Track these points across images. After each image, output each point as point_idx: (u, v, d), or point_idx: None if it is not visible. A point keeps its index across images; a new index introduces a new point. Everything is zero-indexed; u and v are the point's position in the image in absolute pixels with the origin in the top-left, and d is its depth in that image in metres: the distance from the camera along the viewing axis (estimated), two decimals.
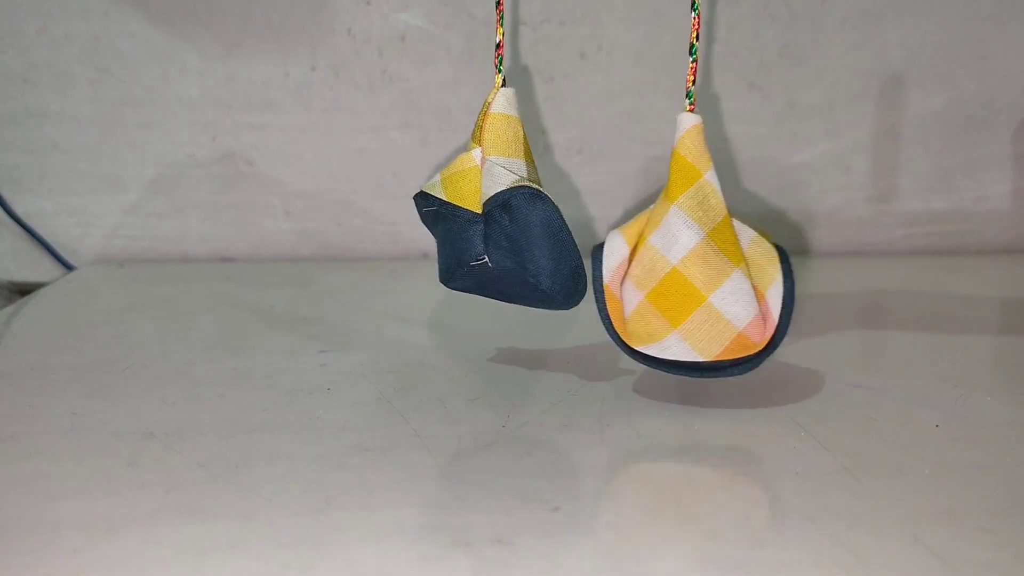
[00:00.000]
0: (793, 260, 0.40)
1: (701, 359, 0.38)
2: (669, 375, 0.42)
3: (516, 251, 0.40)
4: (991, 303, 0.59)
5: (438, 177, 0.42)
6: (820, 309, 0.57)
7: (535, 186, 0.40)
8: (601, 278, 0.40)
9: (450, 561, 0.29)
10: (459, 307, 0.58)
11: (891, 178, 0.70)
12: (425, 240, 0.70)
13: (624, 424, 0.39)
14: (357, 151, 0.69)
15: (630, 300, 0.40)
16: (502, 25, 0.43)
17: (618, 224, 0.69)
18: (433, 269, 0.68)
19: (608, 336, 0.41)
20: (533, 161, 0.42)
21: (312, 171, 0.69)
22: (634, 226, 0.41)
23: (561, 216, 0.39)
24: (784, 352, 0.48)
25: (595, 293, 0.40)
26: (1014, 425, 0.39)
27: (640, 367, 0.45)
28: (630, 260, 0.40)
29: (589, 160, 0.68)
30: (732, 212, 0.40)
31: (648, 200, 0.69)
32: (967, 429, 0.39)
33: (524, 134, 0.42)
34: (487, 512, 0.32)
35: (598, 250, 0.41)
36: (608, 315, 0.40)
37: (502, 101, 0.42)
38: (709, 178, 0.39)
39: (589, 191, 0.69)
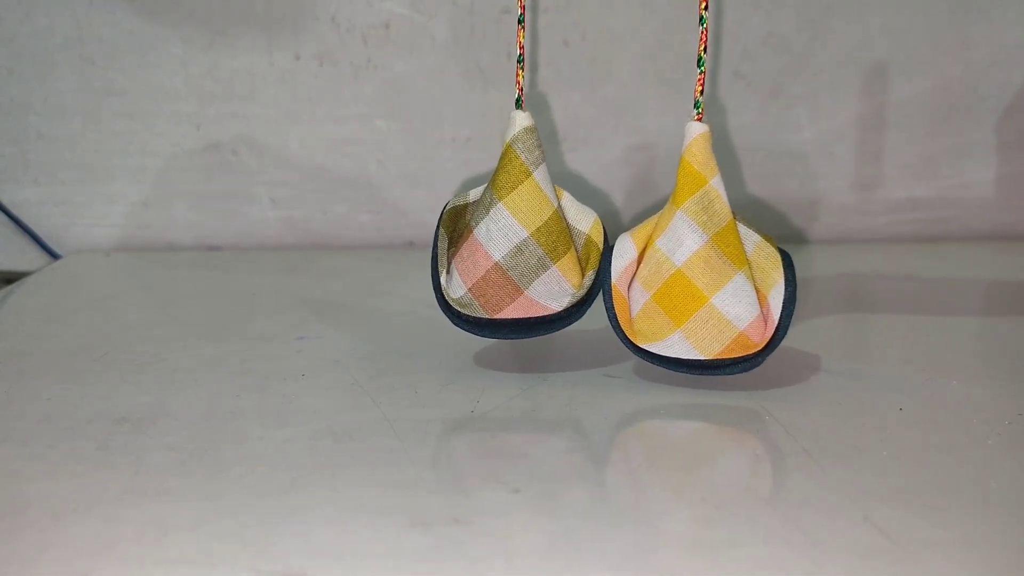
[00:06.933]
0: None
1: (703, 357, 0.40)
2: (655, 368, 0.43)
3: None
4: (973, 290, 0.59)
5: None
6: (802, 296, 0.57)
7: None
8: (610, 279, 0.42)
9: (407, 540, 0.30)
10: None
11: (875, 165, 0.70)
12: (409, 228, 0.71)
13: (591, 409, 0.40)
14: (342, 140, 0.69)
15: (637, 300, 0.41)
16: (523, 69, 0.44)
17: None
18: (416, 256, 0.68)
19: (615, 334, 0.42)
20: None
21: (297, 159, 0.69)
22: (643, 229, 0.42)
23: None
24: None
25: (603, 293, 0.42)
26: (977, 408, 0.39)
27: (613, 356, 0.46)
28: (639, 262, 0.42)
29: (571, 148, 0.69)
30: (739, 215, 0.41)
31: (629, 188, 0.69)
32: (930, 412, 0.39)
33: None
34: (447, 493, 0.33)
35: (608, 252, 0.42)
36: (616, 314, 0.41)
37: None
38: (715, 184, 0.41)
39: (571, 179, 0.69)
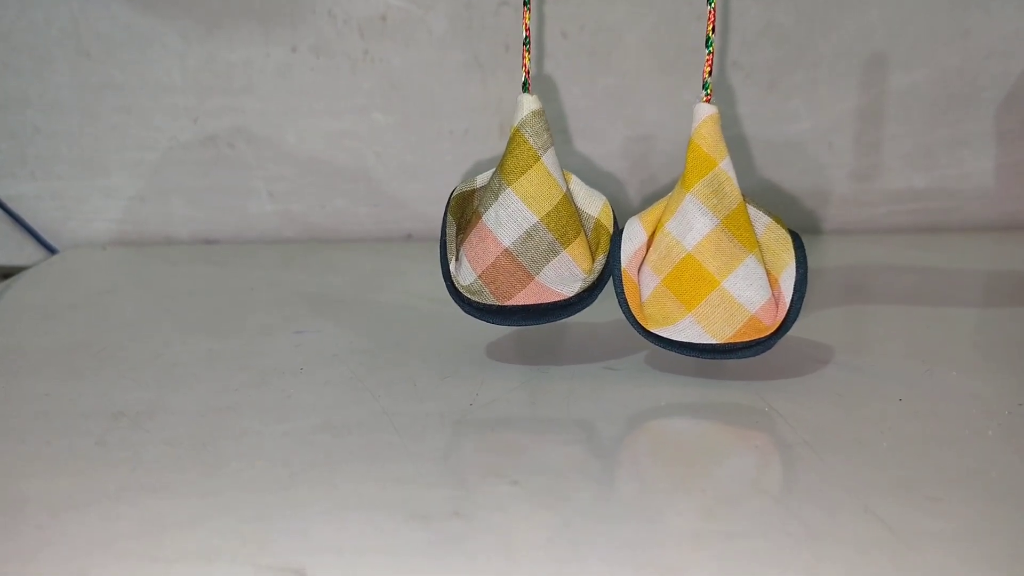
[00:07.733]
0: None
1: (714, 341, 0.40)
2: (655, 361, 0.43)
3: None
4: (972, 281, 0.59)
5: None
6: None
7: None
8: (619, 263, 0.41)
9: (405, 534, 0.30)
10: (438, 288, 0.58)
11: (874, 156, 0.70)
12: (407, 221, 0.71)
13: (590, 401, 0.40)
14: (340, 133, 0.69)
15: (647, 284, 0.41)
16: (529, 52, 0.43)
17: None
18: (414, 249, 0.68)
19: (625, 319, 0.42)
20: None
21: (294, 153, 0.69)
22: (652, 213, 0.42)
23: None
24: None
25: (613, 278, 0.42)
26: (976, 399, 0.39)
27: (613, 349, 0.46)
28: (648, 246, 0.41)
29: (570, 140, 0.68)
30: (748, 197, 0.41)
31: (629, 180, 0.69)
32: (930, 404, 0.39)
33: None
34: (446, 487, 0.33)
35: (617, 236, 0.42)
36: (626, 299, 0.41)
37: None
38: (724, 167, 0.40)
39: (570, 171, 0.69)
